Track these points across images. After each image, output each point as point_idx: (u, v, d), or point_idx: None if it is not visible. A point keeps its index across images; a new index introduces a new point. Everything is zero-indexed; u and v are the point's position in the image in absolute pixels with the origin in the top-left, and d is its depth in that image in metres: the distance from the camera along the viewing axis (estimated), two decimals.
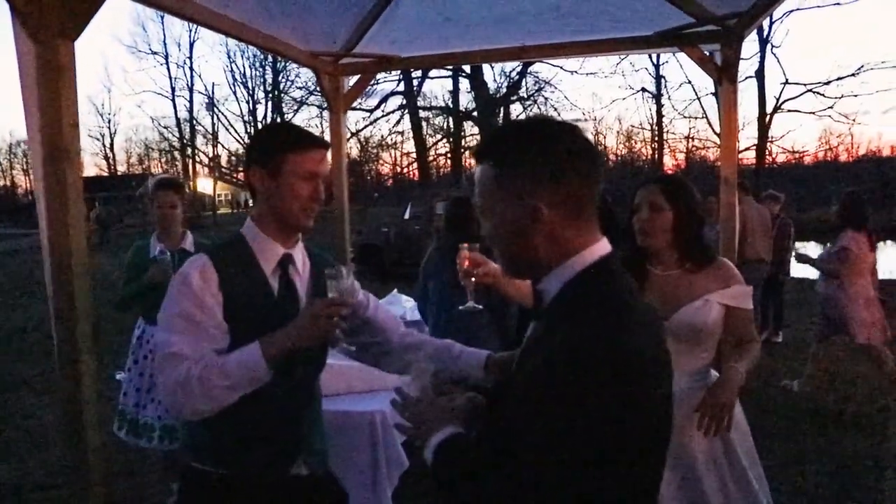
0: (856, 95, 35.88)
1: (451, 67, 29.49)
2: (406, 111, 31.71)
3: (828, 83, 27.93)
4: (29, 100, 2.06)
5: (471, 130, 33.60)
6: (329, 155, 1.95)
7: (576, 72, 37.46)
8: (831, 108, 28.03)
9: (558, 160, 1.24)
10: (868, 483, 4.12)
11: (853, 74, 27.34)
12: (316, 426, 2.04)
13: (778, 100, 28.19)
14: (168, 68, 51.21)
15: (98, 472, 2.20)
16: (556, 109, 32.18)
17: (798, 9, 26.48)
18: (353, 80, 4.72)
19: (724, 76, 4.02)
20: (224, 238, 1.99)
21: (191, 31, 46.55)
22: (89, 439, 2.18)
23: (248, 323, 1.79)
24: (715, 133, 30.91)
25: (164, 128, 51.12)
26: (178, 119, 49.22)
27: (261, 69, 49.47)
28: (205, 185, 51.50)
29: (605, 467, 1.12)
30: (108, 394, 4.85)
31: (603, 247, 1.30)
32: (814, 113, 28.76)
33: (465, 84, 32.91)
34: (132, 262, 3.61)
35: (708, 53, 4.09)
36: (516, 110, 33.73)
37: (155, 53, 50.40)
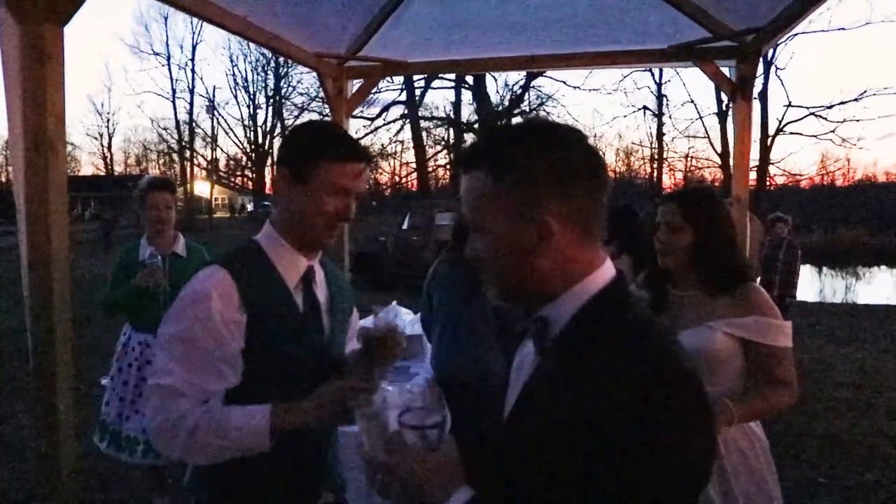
0: (857, 120, 36.02)
1: (453, 78, 29.54)
2: (407, 121, 31.62)
3: (830, 107, 28.02)
4: (11, 87, 1.92)
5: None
6: (367, 170, 1.71)
7: (579, 87, 37.68)
8: (833, 132, 28.02)
9: (566, 167, 1.08)
10: None
11: (856, 99, 27.47)
12: (334, 452, 1.86)
13: (780, 122, 28.19)
14: (170, 69, 51.32)
15: (73, 485, 2.04)
16: None
17: (804, 32, 26.51)
18: (356, 84, 4.58)
19: (739, 93, 3.91)
20: (236, 246, 1.72)
21: (194, 33, 46.62)
22: (62, 455, 2.03)
23: (271, 348, 1.58)
24: (716, 153, 30.98)
25: (164, 129, 51.19)
26: (177, 121, 49.16)
27: (263, 74, 49.67)
28: (202, 188, 51.33)
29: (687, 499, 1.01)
30: (95, 400, 4.65)
31: (610, 268, 1.15)
32: (816, 136, 28.75)
33: (467, 96, 32.92)
34: (120, 264, 3.45)
35: (724, 70, 3.98)
36: None
37: (157, 54, 50.65)
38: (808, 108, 28.61)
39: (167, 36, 69.69)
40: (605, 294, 1.11)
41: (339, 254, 4.55)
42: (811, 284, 19.12)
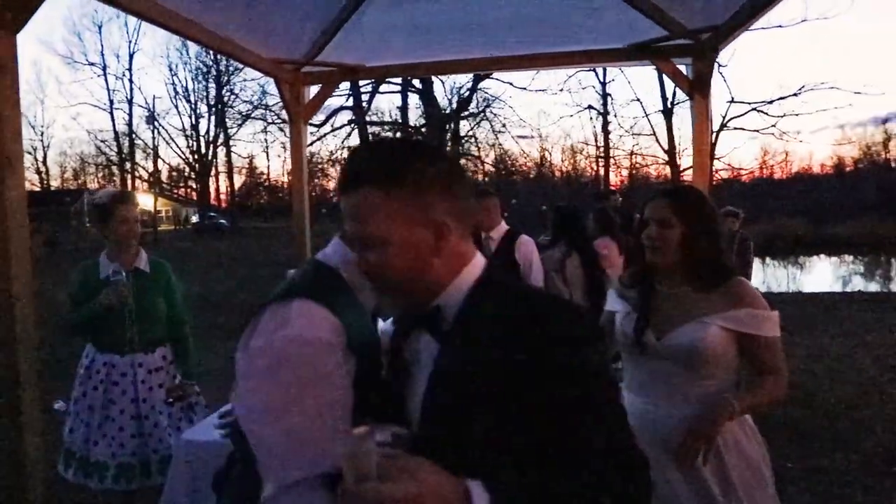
0: (797, 115, 37.13)
1: (400, 82, 29.46)
2: (355, 126, 31.39)
3: (771, 102, 28.69)
4: None
5: None
6: None
7: (525, 88, 37.93)
8: (774, 126, 28.79)
9: (449, 173, 1.22)
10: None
11: (795, 94, 28.11)
12: None
13: (724, 118, 28.89)
14: (106, 80, 49.82)
15: None
16: (504, 126, 32.43)
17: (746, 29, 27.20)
18: (314, 90, 4.50)
19: (697, 90, 3.96)
20: (303, 270, 1.43)
21: (130, 41, 45.64)
22: (29, 484, 1.91)
23: (366, 399, 1.29)
24: (663, 150, 31.58)
25: (102, 141, 49.65)
26: (116, 132, 47.96)
27: (204, 82, 48.76)
28: (145, 200, 50.06)
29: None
30: (51, 426, 4.44)
31: (480, 256, 1.30)
32: (758, 131, 29.47)
33: (413, 99, 32.87)
34: (80, 283, 3.28)
35: (681, 68, 4.02)
36: (465, 126, 33.88)
37: (92, 64, 48.74)
38: (749, 103, 29.28)
39: (102, 45, 67.45)
40: (486, 275, 1.26)
41: (302, 262, 4.46)
42: (755, 275, 19.65)
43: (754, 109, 28.73)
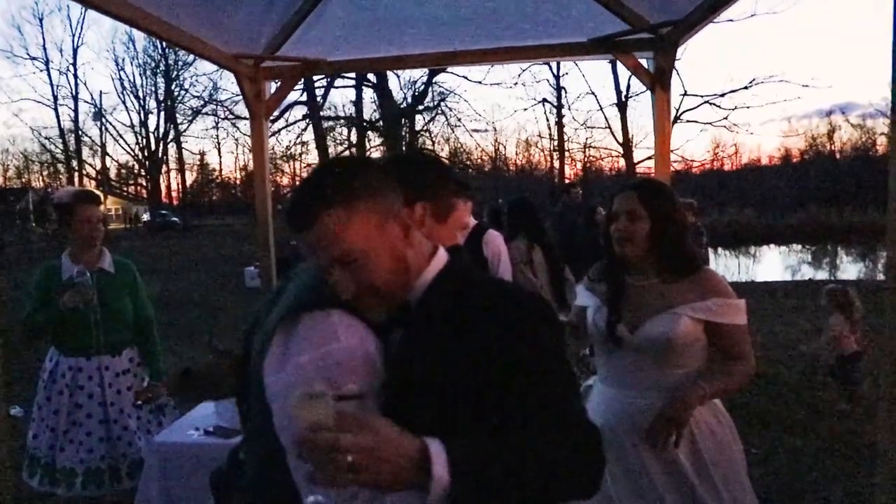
0: (748, 107, 37.91)
1: (354, 76, 29.21)
2: (310, 122, 31.03)
3: (722, 95, 29.20)
4: None
5: (375, 141, 33.26)
6: None
7: (481, 82, 37.93)
8: (726, 118, 29.34)
9: (390, 171, 1.31)
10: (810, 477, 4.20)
11: (746, 87, 28.67)
12: None
13: (678, 110, 29.36)
14: (49, 75, 48.21)
15: None
16: (459, 119, 32.44)
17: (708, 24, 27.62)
18: (275, 85, 4.43)
19: (658, 83, 4.02)
20: (309, 281, 1.37)
21: (73, 35, 44.24)
22: None
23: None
24: (618, 143, 31.93)
25: (47, 138, 47.96)
26: (61, 129, 46.63)
27: (152, 77, 47.64)
28: None
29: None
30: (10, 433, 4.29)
31: (443, 250, 1.38)
32: (711, 123, 29.96)
33: (368, 94, 32.63)
34: (40, 284, 3.18)
35: (643, 61, 4.08)
36: (421, 121, 33.78)
37: (34, 59, 47.14)
38: (702, 96, 29.75)
39: (44, 38, 65.36)
40: (448, 266, 1.34)
41: (265, 261, 4.40)
42: (711, 270, 20.01)
43: (707, 102, 29.22)
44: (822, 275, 17.75)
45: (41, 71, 59.27)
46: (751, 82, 28.30)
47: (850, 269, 19.74)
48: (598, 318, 2.32)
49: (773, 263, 22.49)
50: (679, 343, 2.17)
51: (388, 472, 1.01)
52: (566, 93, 34.95)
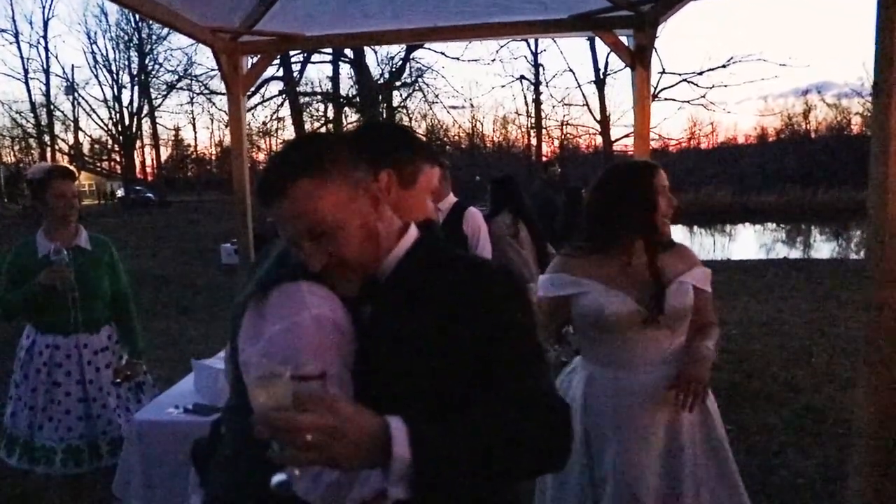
0: (725, 86, 38.11)
1: (331, 52, 28.90)
2: (285, 98, 30.67)
3: (701, 73, 29.34)
4: None
5: (352, 117, 32.95)
6: None
7: (458, 58, 37.68)
8: (703, 97, 29.47)
9: (359, 145, 1.32)
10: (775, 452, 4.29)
11: (723, 66, 28.82)
12: None
13: (655, 88, 29.46)
14: (19, 47, 47.47)
15: None
16: (437, 96, 32.28)
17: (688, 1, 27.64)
18: (253, 59, 4.37)
19: (638, 61, 4.03)
20: (279, 257, 1.38)
21: (44, 7, 43.18)
22: None
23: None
24: (595, 120, 31.99)
25: (17, 113, 46.92)
26: (32, 103, 45.67)
27: (126, 51, 46.75)
28: None
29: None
30: None
31: (413, 227, 1.38)
32: (688, 102, 30.11)
33: (345, 69, 32.30)
34: (14, 263, 3.11)
35: (623, 39, 4.07)
36: (398, 97, 33.55)
37: (2, 31, 46.00)
38: (680, 74, 29.87)
39: (13, 10, 63.60)
40: (419, 241, 1.36)
41: (242, 237, 4.37)
42: (683, 243, 20.18)
43: (684, 80, 29.36)
44: (795, 253, 17.96)
45: (11, 44, 57.85)
46: (728, 61, 28.53)
47: (823, 247, 20.00)
48: (615, 301, 2.19)
49: (748, 242, 22.71)
50: (689, 310, 2.26)
51: (348, 450, 1.00)
52: (544, 70, 34.96)
